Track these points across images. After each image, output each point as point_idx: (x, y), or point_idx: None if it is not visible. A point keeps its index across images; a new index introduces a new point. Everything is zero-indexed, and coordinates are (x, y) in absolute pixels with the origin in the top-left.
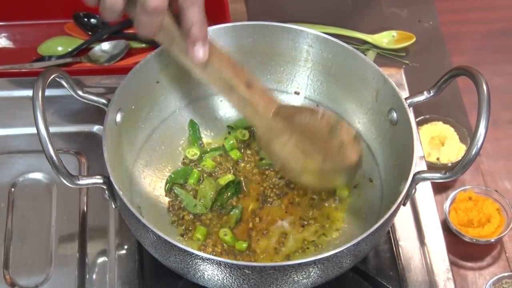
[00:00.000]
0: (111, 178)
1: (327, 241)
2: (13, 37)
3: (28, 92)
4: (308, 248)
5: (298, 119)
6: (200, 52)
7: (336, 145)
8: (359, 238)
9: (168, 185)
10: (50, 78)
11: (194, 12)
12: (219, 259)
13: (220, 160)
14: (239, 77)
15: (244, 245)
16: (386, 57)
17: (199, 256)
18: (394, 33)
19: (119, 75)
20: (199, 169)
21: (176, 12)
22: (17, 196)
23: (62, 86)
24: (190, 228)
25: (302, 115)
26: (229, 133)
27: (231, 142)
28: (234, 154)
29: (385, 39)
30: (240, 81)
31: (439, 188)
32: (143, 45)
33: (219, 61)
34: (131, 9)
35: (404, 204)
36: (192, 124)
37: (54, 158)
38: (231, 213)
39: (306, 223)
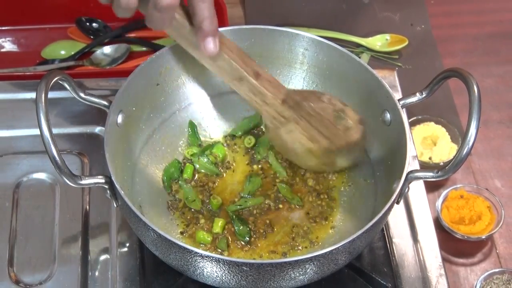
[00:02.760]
0: (113, 178)
1: (323, 238)
2: (17, 41)
3: (32, 95)
4: (305, 246)
5: (305, 105)
6: (211, 45)
7: (342, 129)
8: (354, 236)
9: (166, 183)
10: (53, 81)
11: (204, 7)
12: (218, 256)
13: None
14: (248, 67)
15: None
16: (379, 59)
17: (198, 253)
18: (387, 36)
19: (120, 78)
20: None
21: (187, 7)
22: (21, 196)
23: (64, 89)
24: (190, 226)
25: (309, 100)
26: (232, 139)
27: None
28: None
29: (378, 42)
30: (249, 71)
31: (432, 187)
32: (144, 48)
33: (229, 52)
34: (142, 6)
35: (398, 203)
36: (191, 125)
37: (57, 158)
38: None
39: (302, 221)
